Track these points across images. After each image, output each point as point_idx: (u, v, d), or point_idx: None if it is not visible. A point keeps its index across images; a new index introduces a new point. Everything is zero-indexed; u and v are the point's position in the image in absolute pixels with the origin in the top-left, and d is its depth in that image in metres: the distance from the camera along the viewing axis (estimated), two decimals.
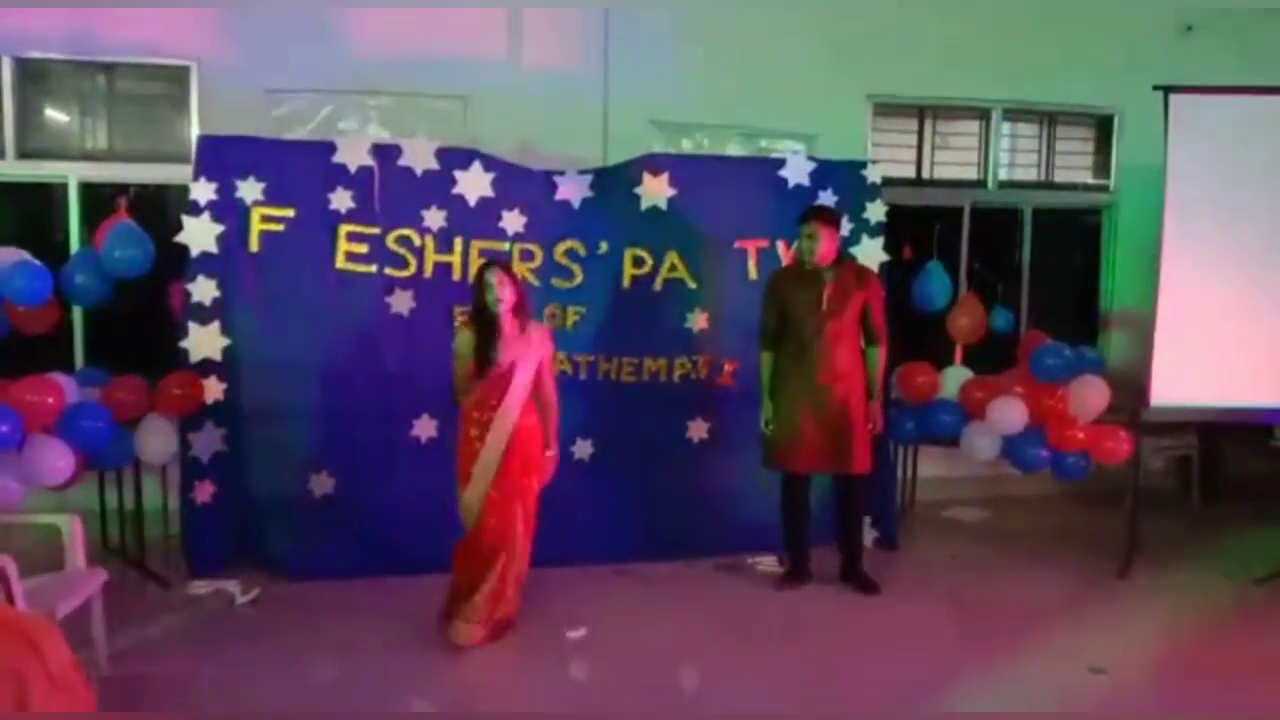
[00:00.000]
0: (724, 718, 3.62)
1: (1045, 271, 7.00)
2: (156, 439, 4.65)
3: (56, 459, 4.34)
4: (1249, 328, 5.10)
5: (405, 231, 4.86)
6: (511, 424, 4.08)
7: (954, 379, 5.62)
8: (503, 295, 4.07)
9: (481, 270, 4.17)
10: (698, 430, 5.27)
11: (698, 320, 5.22)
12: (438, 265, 4.91)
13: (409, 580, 4.72)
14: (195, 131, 5.55)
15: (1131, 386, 5.26)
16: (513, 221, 4.97)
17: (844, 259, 4.82)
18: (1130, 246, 6.79)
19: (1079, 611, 4.69)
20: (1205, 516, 6.41)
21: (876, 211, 5.37)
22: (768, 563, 5.18)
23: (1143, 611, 4.74)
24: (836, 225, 4.77)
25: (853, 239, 5.32)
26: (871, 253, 5.31)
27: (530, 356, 4.14)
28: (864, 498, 4.93)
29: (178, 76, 5.81)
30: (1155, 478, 6.72)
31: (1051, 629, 4.46)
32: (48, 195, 5.81)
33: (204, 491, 4.80)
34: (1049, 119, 7.02)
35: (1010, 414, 5.24)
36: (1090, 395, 5.18)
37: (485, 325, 4.11)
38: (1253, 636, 4.42)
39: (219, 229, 4.71)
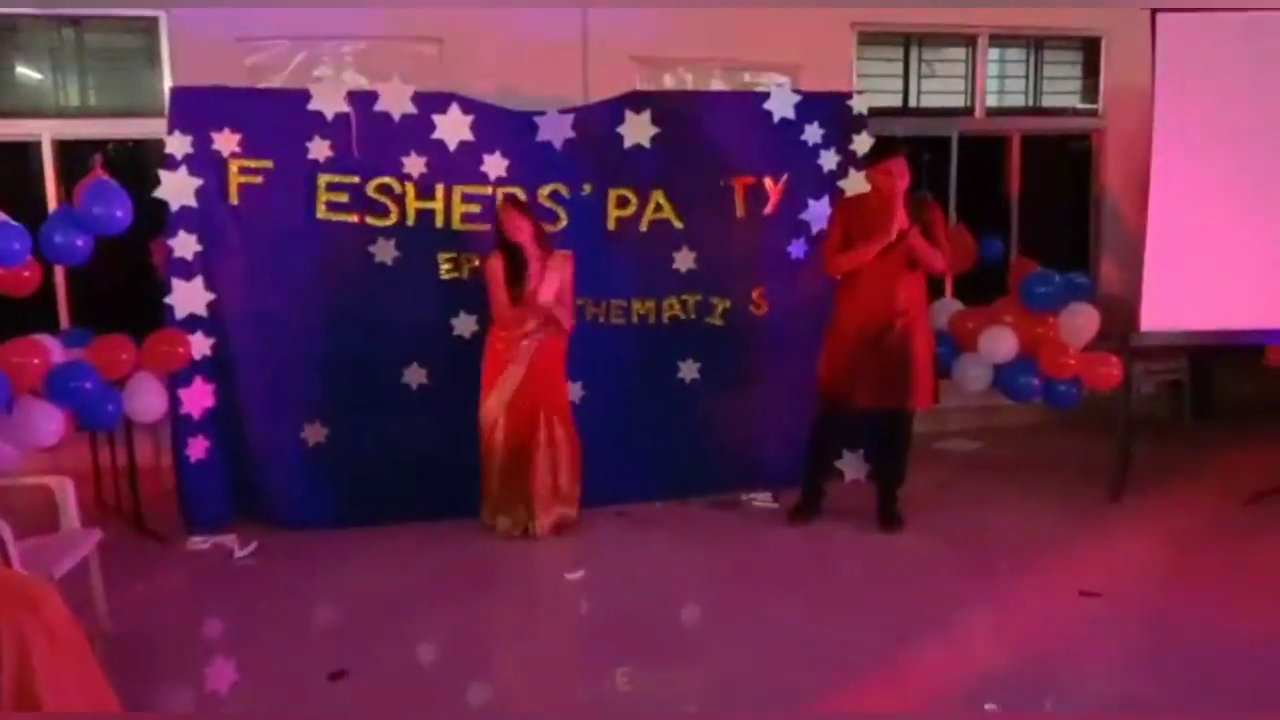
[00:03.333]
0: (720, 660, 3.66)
1: (1035, 198, 6.95)
2: (146, 397, 4.62)
3: (46, 421, 4.33)
4: (1239, 250, 5.08)
5: (385, 179, 4.80)
6: (536, 342, 4.56)
7: (944, 310, 5.60)
8: (521, 228, 4.53)
9: (500, 208, 4.65)
10: (688, 370, 5.26)
11: (685, 260, 5.18)
12: (420, 212, 4.85)
13: (406, 527, 4.75)
14: (168, 84, 5.44)
15: (1123, 312, 5.25)
16: (494, 165, 4.91)
17: (910, 195, 4.67)
18: (1120, 170, 6.74)
19: (1072, 537, 4.74)
20: (1197, 439, 6.45)
21: (863, 143, 5.30)
22: (762, 499, 5.22)
23: (1135, 534, 4.79)
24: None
25: (840, 172, 5.27)
26: (859, 185, 5.25)
27: (549, 282, 4.59)
28: (910, 435, 4.93)
29: (147, 28, 5.69)
30: (1147, 402, 6.75)
31: (1045, 554, 4.51)
32: (22, 154, 5.72)
33: (197, 447, 4.79)
34: (1036, 43, 6.92)
35: (1001, 343, 5.24)
36: (1080, 322, 5.17)
37: (511, 255, 4.58)
38: (1244, 556, 4.47)
39: (197, 183, 4.64)
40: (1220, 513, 4.97)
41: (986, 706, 3.30)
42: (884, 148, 4.80)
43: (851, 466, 5.45)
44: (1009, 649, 3.67)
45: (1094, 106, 6.97)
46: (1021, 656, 3.59)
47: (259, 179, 4.70)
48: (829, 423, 4.87)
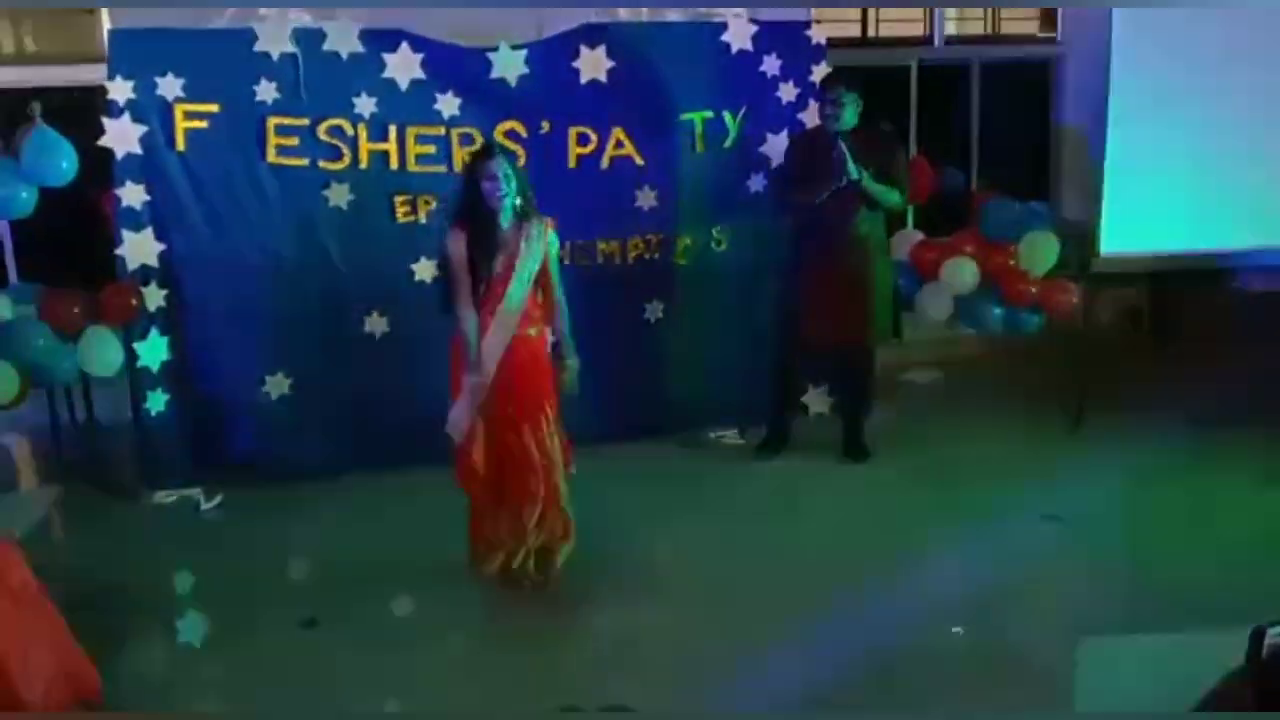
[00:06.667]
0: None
1: (996, 127, 6.93)
2: (101, 351, 4.53)
3: None
4: (1197, 174, 5.11)
5: (337, 121, 4.67)
6: (509, 335, 3.63)
7: (904, 241, 5.59)
8: (506, 190, 3.56)
9: (480, 157, 3.63)
10: (654, 310, 5.23)
11: (648, 198, 5.11)
12: (373, 154, 4.74)
13: (372, 475, 4.73)
14: (106, 26, 5.26)
15: (1083, 238, 5.28)
16: (448, 105, 4.79)
17: (867, 124, 4.69)
18: (1080, 97, 6.72)
19: (1033, 463, 4.82)
20: (1155, 365, 6.52)
21: (822, 74, 5.23)
22: (730, 436, 5.25)
23: (1095, 460, 4.87)
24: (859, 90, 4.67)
25: (799, 104, 5.21)
26: (813, 116, 5.20)
27: (529, 255, 3.63)
28: (872, 368, 4.97)
29: None
30: (1107, 329, 6.82)
31: (1007, 481, 4.58)
32: None
33: (157, 401, 4.72)
34: None
35: (962, 274, 5.24)
36: (1040, 250, 5.18)
37: (480, 226, 3.59)
38: (1201, 479, 4.56)
39: (141, 129, 4.50)
40: (1177, 437, 5.05)
41: (953, 630, 3.37)
42: (829, 79, 4.76)
43: (817, 401, 5.47)
44: (973, 574, 3.73)
45: (1053, 34, 6.92)
46: (985, 581, 3.66)
47: (206, 124, 4.56)
48: (789, 358, 4.90)
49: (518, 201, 3.61)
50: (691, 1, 5.25)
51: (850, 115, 4.59)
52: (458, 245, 3.59)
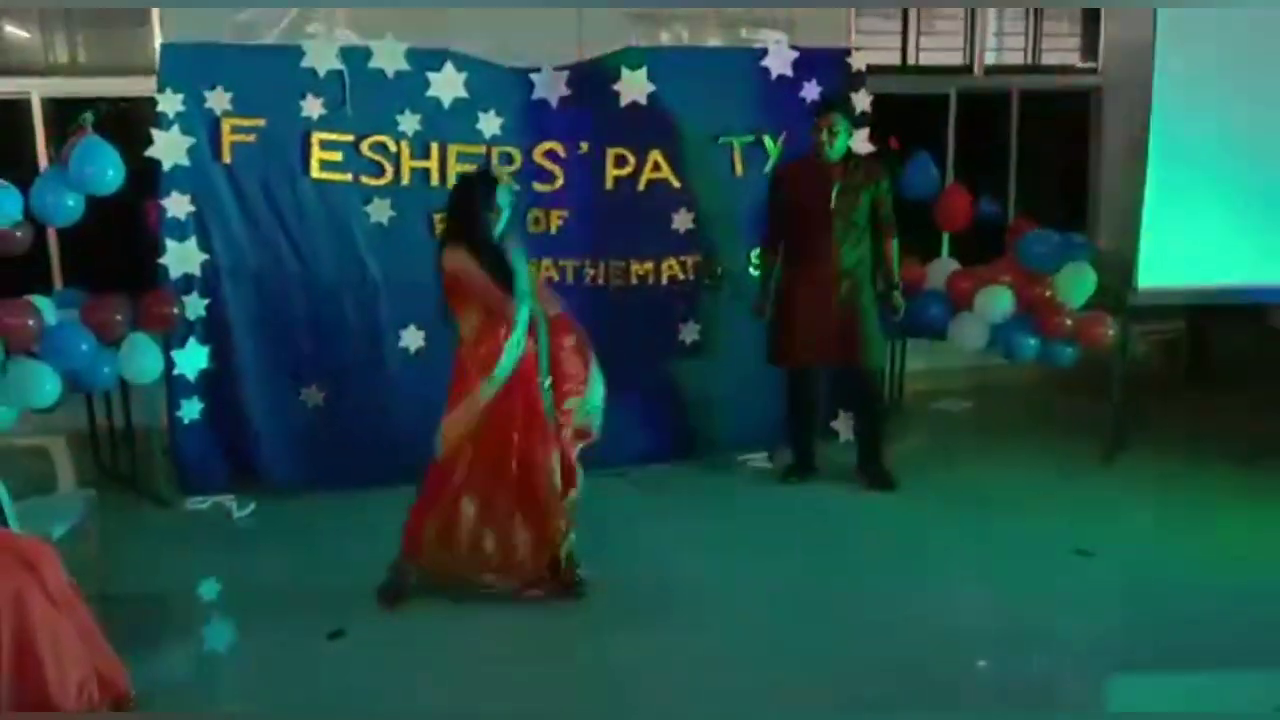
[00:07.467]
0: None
1: (1034, 156, 6.89)
2: (141, 358, 4.60)
3: (41, 382, 4.31)
4: (1237, 208, 5.06)
5: (380, 138, 4.76)
6: (480, 408, 3.58)
7: (940, 270, 5.57)
8: (499, 221, 3.61)
9: (484, 183, 3.61)
10: (689, 332, 5.24)
11: (684, 221, 5.15)
12: (415, 171, 4.81)
13: (404, 488, 4.73)
14: (158, 40, 5.37)
15: (1121, 271, 5.23)
16: (489, 124, 4.86)
17: (853, 153, 4.79)
18: (1119, 128, 6.68)
19: (1066, 496, 4.76)
20: (1191, 400, 6.46)
21: (861, 101, 5.25)
22: (758, 459, 5.23)
23: (1129, 494, 4.81)
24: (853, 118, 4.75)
25: None
26: (857, 144, 5.20)
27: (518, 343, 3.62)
28: (879, 391, 4.95)
29: None
30: (1143, 362, 6.75)
31: (1039, 513, 4.53)
32: (11, 113, 5.64)
33: (193, 408, 4.78)
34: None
35: (997, 303, 5.22)
36: (1078, 282, 5.14)
37: (486, 250, 3.55)
38: (1236, 516, 4.48)
39: (189, 141, 4.60)
40: (1214, 473, 4.99)
41: (979, 663, 3.33)
42: (824, 107, 4.78)
43: (845, 426, 5.45)
44: (1002, 607, 3.69)
45: (1093, 64, 6.89)
46: (1014, 615, 3.62)
47: (252, 137, 4.66)
48: (796, 385, 4.91)
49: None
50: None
51: (842, 144, 4.65)
52: (466, 261, 3.51)
